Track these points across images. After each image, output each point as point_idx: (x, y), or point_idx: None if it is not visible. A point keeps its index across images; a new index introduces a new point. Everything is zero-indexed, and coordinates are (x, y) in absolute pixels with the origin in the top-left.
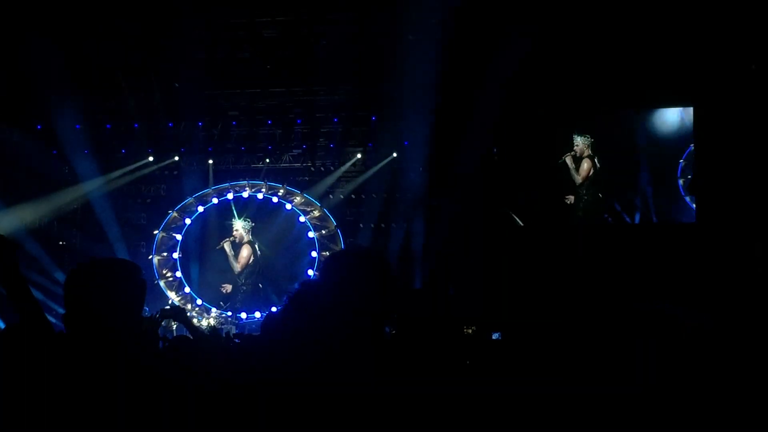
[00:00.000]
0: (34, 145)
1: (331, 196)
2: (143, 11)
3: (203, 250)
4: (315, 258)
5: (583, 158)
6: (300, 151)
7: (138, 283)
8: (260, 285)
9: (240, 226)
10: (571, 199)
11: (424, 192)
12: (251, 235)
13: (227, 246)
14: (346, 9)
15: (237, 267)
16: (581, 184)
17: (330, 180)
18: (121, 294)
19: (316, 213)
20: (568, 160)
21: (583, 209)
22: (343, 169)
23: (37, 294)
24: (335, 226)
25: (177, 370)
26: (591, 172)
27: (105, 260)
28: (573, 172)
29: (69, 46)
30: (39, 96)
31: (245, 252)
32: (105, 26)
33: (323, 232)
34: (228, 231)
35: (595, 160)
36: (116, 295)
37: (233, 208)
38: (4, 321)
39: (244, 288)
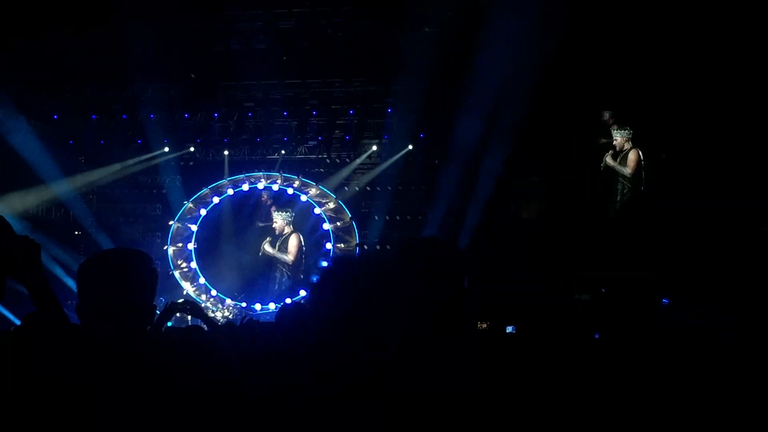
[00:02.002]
0: (49, 135)
1: (346, 188)
2: (159, 2)
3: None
4: (329, 250)
5: (630, 150)
6: (315, 142)
7: (150, 272)
8: (301, 276)
9: (279, 218)
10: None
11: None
12: (292, 226)
13: (268, 247)
14: (363, 1)
15: (290, 258)
16: (632, 175)
17: (345, 172)
18: (133, 283)
19: (332, 205)
20: (608, 159)
21: (625, 203)
22: (359, 161)
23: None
24: (350, 218)
25: (189, 359)
26: (640, 163)
27: (116, 250)
28: (618, 167)
29: (84, 36)
30: (54, 86)
31: (294, 240)
32: (120, 17)
33: (338, 224)
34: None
35: (640, 153)
36: (128, 284)
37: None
38: (18, 318)
39: (296, 278)
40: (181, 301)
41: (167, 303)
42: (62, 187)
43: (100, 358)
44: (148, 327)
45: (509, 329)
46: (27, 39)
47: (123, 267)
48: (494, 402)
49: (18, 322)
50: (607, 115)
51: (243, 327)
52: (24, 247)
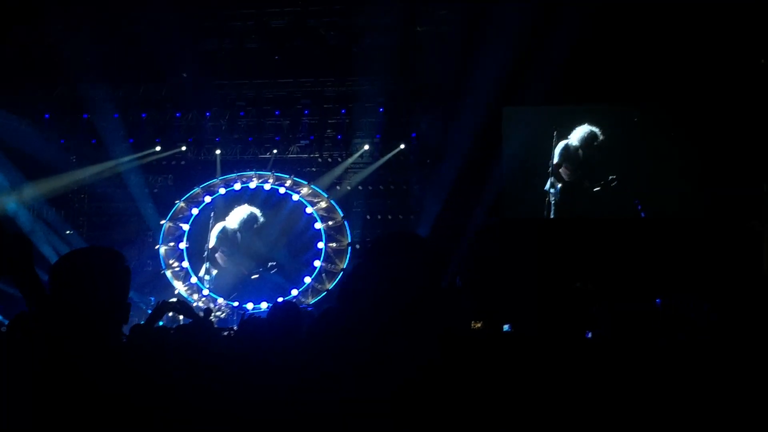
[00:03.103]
0: (41, 135)
1: (338, 187)
2: (149, 2)
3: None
4: (321, 249)
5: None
6: (307, 142)
7: (120, 270)
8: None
9: None
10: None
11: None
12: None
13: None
14: (355, 0)
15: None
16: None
17: (337, 171)
18: (102, 282)
19: (323, 204)
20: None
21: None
22: (351, 160)
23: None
24: (342, 218)
25: (180, 359)
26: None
27: (87, 249)
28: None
29: (76, 36)
30: (47, 86)
31: None
32: (114, 15)
33: (330, 223)
34: None
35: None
36: (97, 282)
37: None
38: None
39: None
40: (172, 300)
41: (158, 302)
42: (53, 186)
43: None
44: (124, 324)
45: (506, 328)
46: (20, 38)
47: (92, 266)
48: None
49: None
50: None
51: (241, 324)
52: (15, 245)
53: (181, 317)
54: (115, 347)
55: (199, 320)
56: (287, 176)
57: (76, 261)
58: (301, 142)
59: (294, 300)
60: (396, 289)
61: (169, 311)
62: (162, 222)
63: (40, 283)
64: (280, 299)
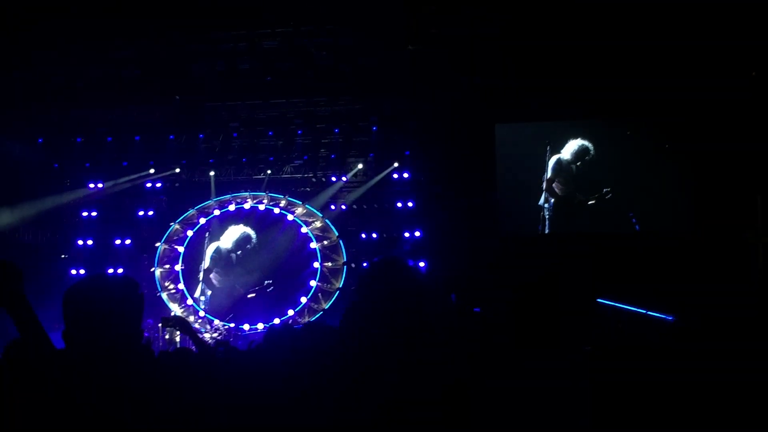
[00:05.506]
0: (35, 159)
1: (332, 207)
2: (143, 23)
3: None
4: (317, 269)
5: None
6: (301, 162)
7: (135, 297)
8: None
9: None
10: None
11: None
12: None
13: None
14: (347, 19)
15: None
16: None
17: (331, 190)
18: (119, 309)
19: (318, 224)
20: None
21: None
22: (345, 179)
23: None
24: (337, 237)
25: (177, 382)
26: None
27: (102, 276)
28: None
29: (71, 59)
30: (40, 109)
31: None
32: (106, 39)
33: (325, 242)
34: None
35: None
36: (114, 310)
37: None
38: None
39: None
40: (171, 315)
41: (155, 322)
42: (47, 209)
43: (85, 381)
44: (135, 349)
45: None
46: (11, 62)
47: (110, 294)
48: None
49: None
50: None
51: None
52: (6, 273)
53: (179, 339)
54: (127, 372)
55: (199, 340)
56: (281, 196)
57: (94, 287)
58: (295, 162)
59: (290, 320)
60: (381, 310)
61: (168, 327)
62: (157, 244)
63: (31, 310)
64: (276, 320)
